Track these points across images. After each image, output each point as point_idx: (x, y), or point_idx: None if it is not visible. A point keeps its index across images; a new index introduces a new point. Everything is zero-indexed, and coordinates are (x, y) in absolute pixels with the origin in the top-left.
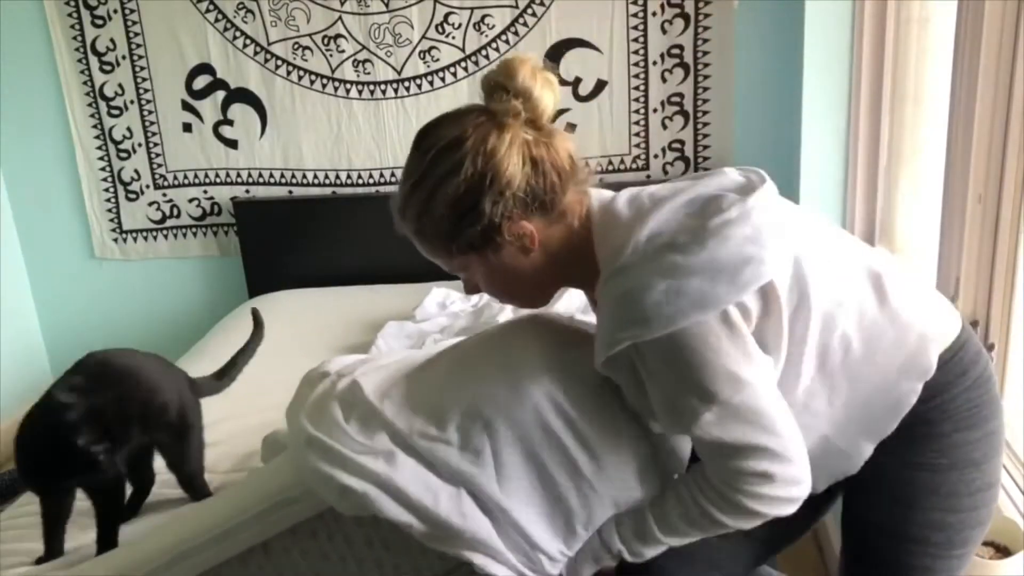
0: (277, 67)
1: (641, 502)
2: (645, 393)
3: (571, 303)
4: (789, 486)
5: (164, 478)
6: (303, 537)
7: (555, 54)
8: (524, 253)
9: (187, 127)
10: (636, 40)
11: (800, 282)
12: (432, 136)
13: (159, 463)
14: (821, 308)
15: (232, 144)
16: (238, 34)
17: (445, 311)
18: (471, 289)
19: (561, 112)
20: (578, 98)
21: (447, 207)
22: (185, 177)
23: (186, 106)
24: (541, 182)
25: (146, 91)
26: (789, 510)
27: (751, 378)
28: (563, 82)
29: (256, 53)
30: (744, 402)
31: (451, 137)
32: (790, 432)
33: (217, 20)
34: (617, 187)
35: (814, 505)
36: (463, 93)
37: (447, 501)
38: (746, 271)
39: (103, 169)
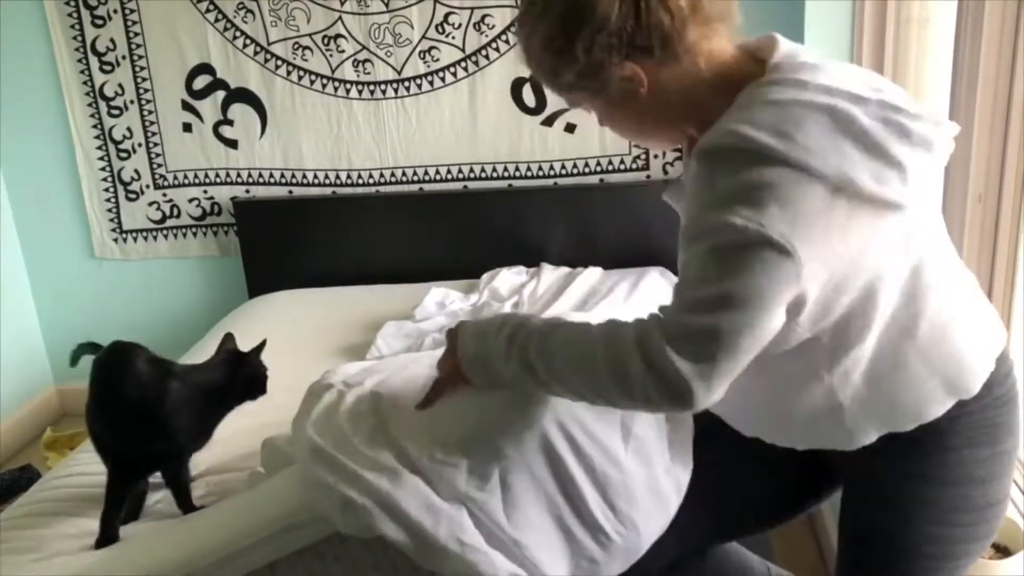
0: (277, 67)
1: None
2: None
3: (567, 302)
4: (707, 377)
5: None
6: (310, 559)
7: None
8: (634, 96)
9: (187, 127)
10: None
11: (913, 240)
12: None
13: None
14: (911, 281)
15: (232, 144)
16: (238, 34)
17: (444, 310)
18: (601, 121)
19: (561, 112)
20: None
21: (542, 48)
22: (185, 177)
23: (186, 106)
24: (645, 20)
25: (146, 91)
26: (672, 406)
27: (802, 259)
28: None
29: (256, 53)
30: (772, 264)
31: None
32: (750, 346)
33: (217, 20)
34: (617, 187)
35: (791, 492)
36: (463, 93)
37: (447, 525)
38: (895, 175)
39: (103, 169)
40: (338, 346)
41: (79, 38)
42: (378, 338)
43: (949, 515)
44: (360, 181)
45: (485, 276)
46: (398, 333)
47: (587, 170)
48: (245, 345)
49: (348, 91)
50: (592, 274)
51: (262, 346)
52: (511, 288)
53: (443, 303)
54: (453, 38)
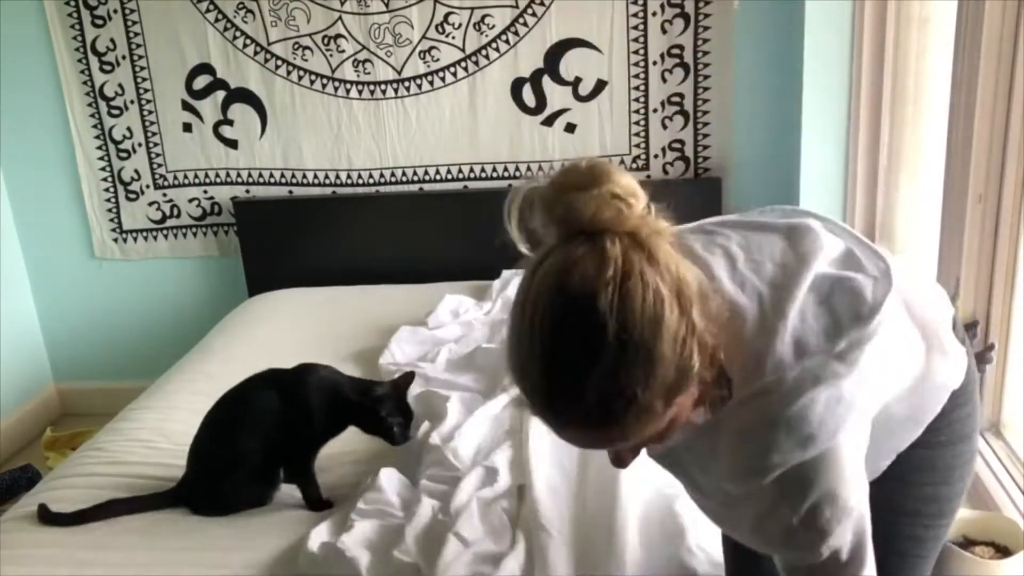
0: (277, 67)
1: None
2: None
3: None
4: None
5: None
6: None
7: (555, 54)
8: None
9: (187, 127)
10: (636, 40)
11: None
12: (586, 308)
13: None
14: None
15: (232, 144)
16: (238, 34)
17: (458, 319)
18: (625, 462)
19: (561, 112)
20: (578, 98)
21: (665, 357)
22: (185, 177)
23: (186, 106)
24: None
25: (146, 91)
26: None
27: (863, 475)
28: (563, 82)
29: (256, 53)
30: (860, 503)
31: (614, 286)
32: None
33: (217, 20)
34: None
35: None
36: (463, 93)
37: None
38: (882, 378)
39: (103, 169)
40: (338, 346)
41: (79, 38)
42: (392, 343)
43: (947, 473)
44: (360, 181)
45: (497, 283)
46: (412, 339)
47: None
48: (249, 341)
49: (348, 91)
50: None
51: (403, 383)
52: None
53: (456, 311)
54: (453, 38)
